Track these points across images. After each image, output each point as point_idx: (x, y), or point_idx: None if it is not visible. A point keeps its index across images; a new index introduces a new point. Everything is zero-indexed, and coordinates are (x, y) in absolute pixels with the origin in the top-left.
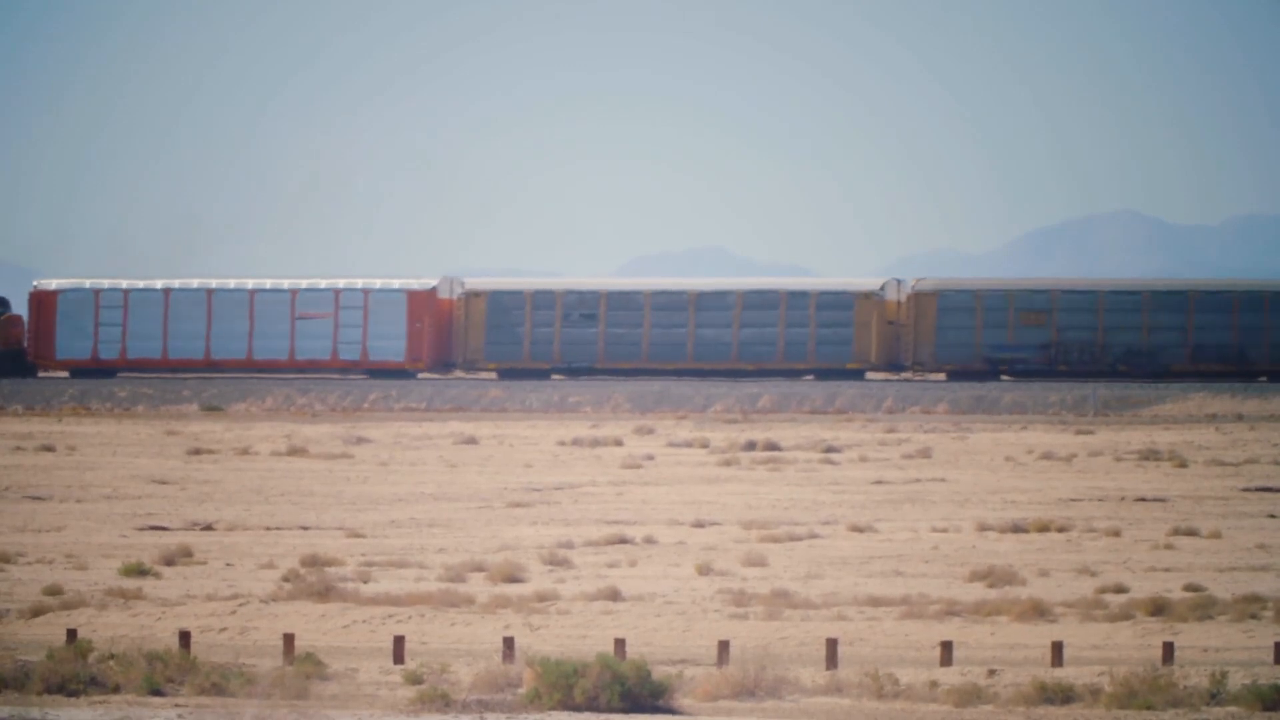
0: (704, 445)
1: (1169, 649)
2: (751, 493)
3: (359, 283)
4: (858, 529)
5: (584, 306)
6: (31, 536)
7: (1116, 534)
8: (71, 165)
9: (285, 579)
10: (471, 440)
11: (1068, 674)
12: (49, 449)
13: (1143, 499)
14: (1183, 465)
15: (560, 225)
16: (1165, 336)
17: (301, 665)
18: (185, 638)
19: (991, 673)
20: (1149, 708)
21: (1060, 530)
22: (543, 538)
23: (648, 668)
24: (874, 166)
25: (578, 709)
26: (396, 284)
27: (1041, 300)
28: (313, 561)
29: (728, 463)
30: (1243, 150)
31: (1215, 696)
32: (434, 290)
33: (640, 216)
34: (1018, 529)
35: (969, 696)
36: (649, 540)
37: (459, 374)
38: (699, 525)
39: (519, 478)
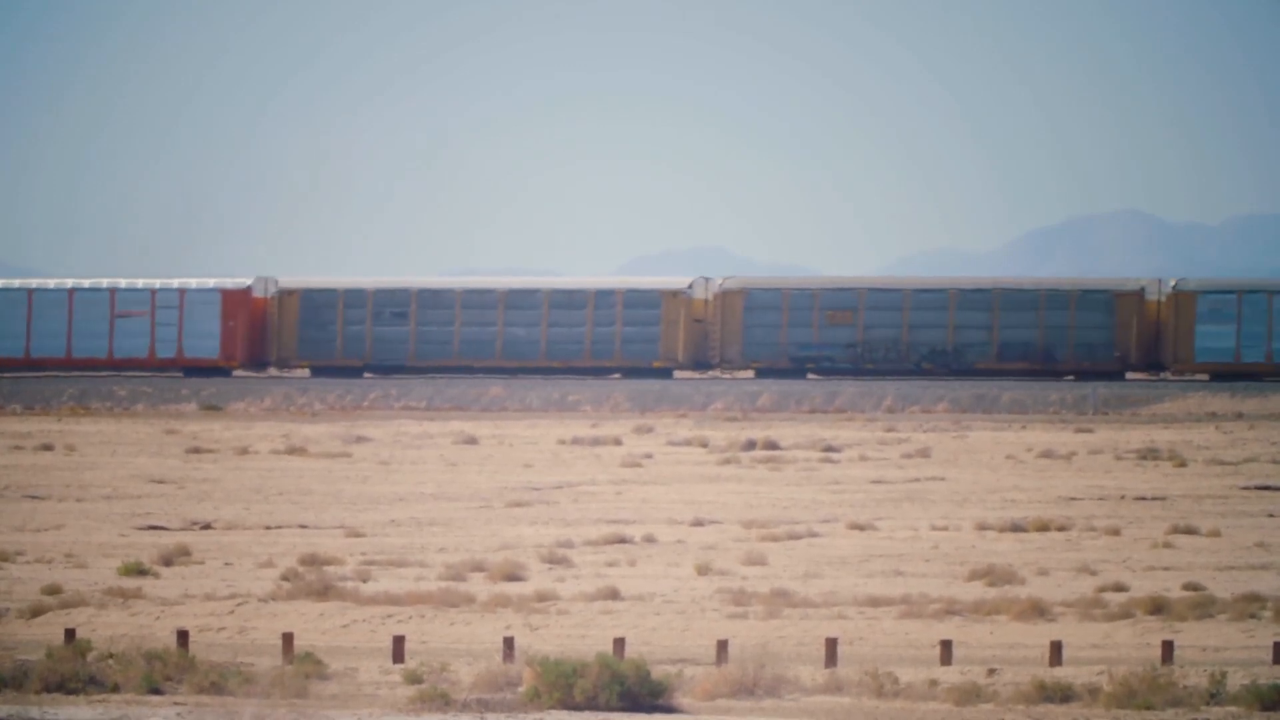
0: (703, 444)
1: (1168, 648)
2: (751, 492)
3: (175, 282)
4: (857, 528)
5: (395, 305)
6: (30, 536)
7: (1116, 533)
8: (72, 165)
9: (284, 578)
10: (471, 439)
11: (1067, 673)
12: (48, 448)
13: (1142, 498)
14: (1182, 464)
15: (560, 225)
16: (971, 335)
17: (301, 664)
18: (184, 637)
19: (991, 672)
20: (1148, 707)
21: (1060, 529)
22: (542, 537)
23: (647, 667)
24: (874, 166)
25: (577, 708)
26: (211, 283)
27: (848, 299)
28: (312, 561)
29: (727, 461)
30: (1243, 150)
31: (1215, 696)
32: (249, 289)
33: (640, 216)
34: (1017, 528)
35: (969, 695)
36: (648, 539)
37: (273, 371)
38: (698, 524)
39: (519, 477)
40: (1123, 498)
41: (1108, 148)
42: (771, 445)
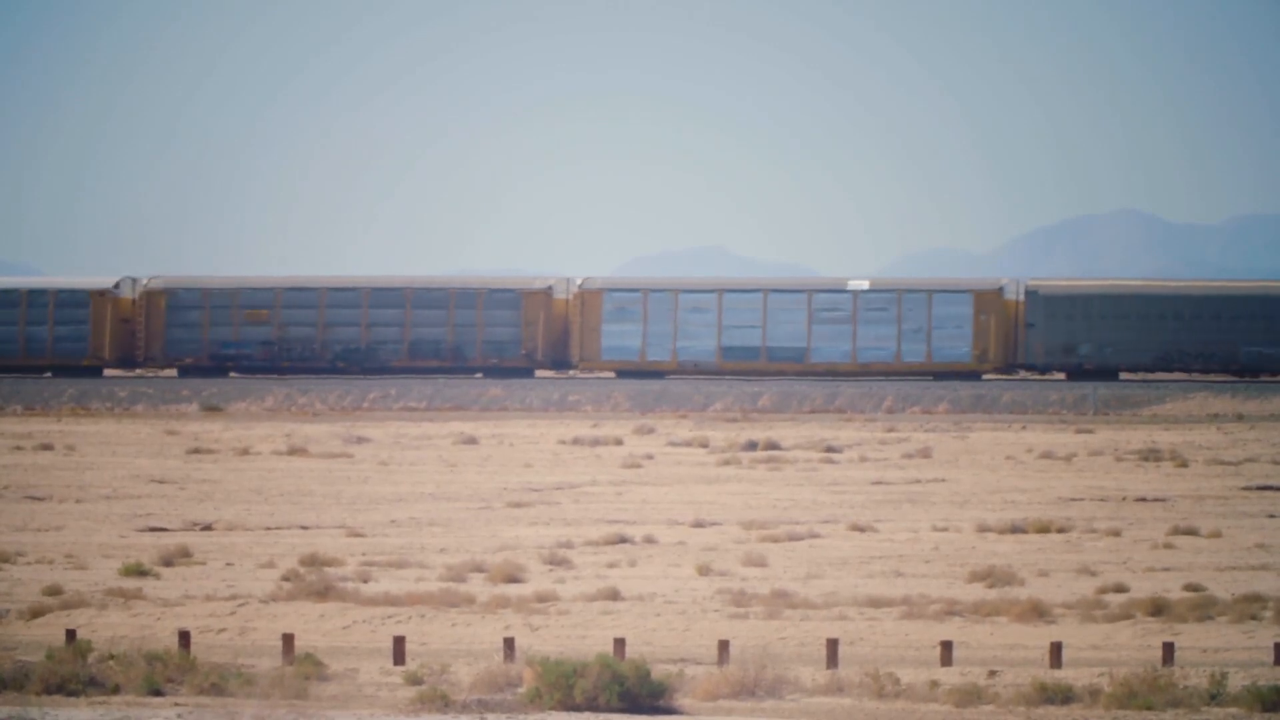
0: (704, 445)
1: (1169, 649)
2: (751, 492)
3: None
4: (858, 529)
5: None
6: (31, 536)
7: (1116, 534)
8: (73, 165)
9: (285, 579)
10: (471, 440)
11: (1068, 674)
12: (48, 448)
13: (1143, 499)
14: (1183, 465)
15: (560, 225)
16: (385, 333)
17: (301, 665)
18: (185, 638)
19: (991, 673)
20: (1149, 708)
21: (1060, 530)
22: (543, 538)
23: (647, 667)
24: (874, 166)
25: (577, 709)
26: None
27: (265, 298)
28: (312, 561)
29: (728, 462)
30: (1243, 150)
31: (1215, 697)
32: None
33: (640, 216)
34: (1017, 529)
35: (969, 696)
36: (649, 540)
37: None
38: (699, 525)
39: (519, 477)
40: (1123, 499)
41: (1108, 148)
42: (772, 446)
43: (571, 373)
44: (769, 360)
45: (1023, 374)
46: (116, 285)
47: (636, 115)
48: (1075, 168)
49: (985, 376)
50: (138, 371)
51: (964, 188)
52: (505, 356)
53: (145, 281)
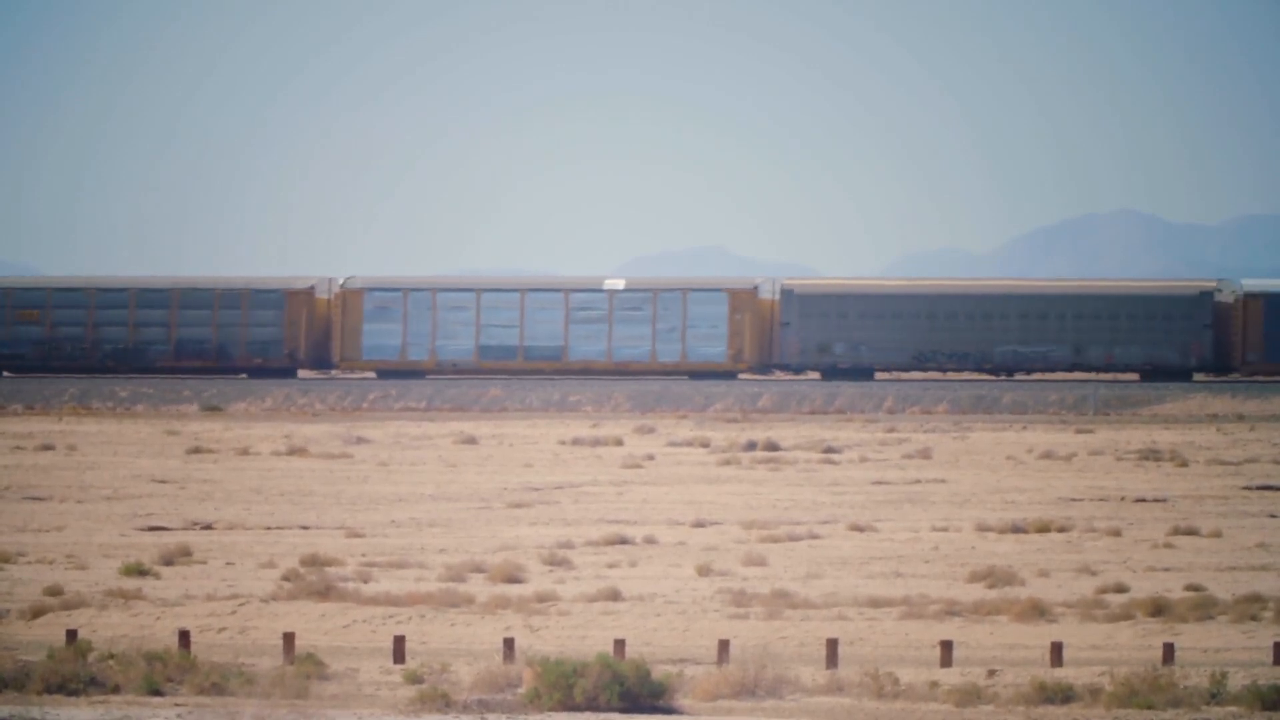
0: (704, 445)
1: (1169, 649)
2: (751, 493)
3: None
4: (858, 529)
5: None
6: (31, 536)
7: (1116, 534)
8: (73, 165)
9: (285, 579)
10: (471, 440)
11: (1068, 674)
12: (49, 448)
13: (1143, 499)
14: (1183, 465)
15: (560, 225)
16: (151, 333)
17: (301, 665)
18: (185, 637)
19: (991, 673)
20: (1149, 708)
21: (1060, 530)
22: (543, 538)
23: (647, 667)
24: (875, 166)
25: (578, 709)
26: None
27: (36, 298)
28: (313, 561)
29: (728, 462)
30: (1243, 150)
31: (1215, 697)
32: None
33: (640, 216)
34: (1018, 529)
35: (969, 696)
36: (649, 540)
37: None
38: (699, 525)
39: (519, 477)
40: (1123, 498)
41: (1108, 148)
42: (772, 446)
43: (333, 373)
44: (526, 359)
45: (778, 374)
46: None
47: (636, 115)
48: (1075, 168)
49: (740, 376)
50: None
51: (964, 188)
52: (269, 356)
53: None
